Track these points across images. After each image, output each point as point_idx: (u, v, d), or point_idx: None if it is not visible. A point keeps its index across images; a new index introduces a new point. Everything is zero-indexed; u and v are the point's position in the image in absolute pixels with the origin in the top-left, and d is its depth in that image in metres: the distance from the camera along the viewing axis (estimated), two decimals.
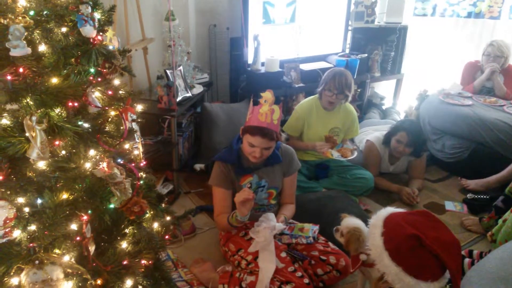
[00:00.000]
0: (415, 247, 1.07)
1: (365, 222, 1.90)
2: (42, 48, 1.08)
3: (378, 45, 3.93)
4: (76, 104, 1.13)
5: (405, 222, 1.13)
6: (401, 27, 3.95)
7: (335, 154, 2.64)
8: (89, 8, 1.11)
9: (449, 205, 2.79)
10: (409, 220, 1.14)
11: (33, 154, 1.06)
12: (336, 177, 2.72)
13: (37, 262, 1.11)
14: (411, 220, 1.14)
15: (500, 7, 3.64)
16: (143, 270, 1.41)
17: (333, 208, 2.35)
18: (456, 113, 3.15)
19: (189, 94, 2.80)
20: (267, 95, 1.89)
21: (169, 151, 2.69)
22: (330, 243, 2.02)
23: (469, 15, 3.78)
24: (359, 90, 3.89)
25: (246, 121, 1.96)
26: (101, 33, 1.23)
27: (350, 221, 1.77)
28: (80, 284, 1.18)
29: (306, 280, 1.79)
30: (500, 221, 2.07)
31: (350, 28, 3.87)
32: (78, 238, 1.20)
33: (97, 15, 1.19)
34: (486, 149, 2.98)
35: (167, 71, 2.68)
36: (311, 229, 2.05)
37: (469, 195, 2.82)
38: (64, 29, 1.10)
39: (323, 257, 1.94)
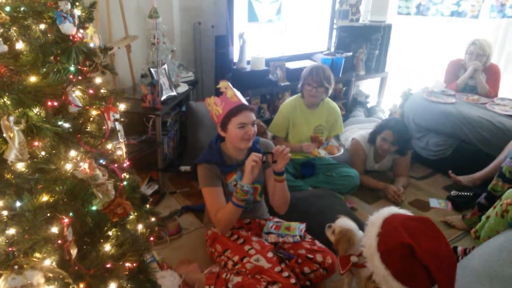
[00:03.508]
0: (407, 256, 1.07)
1: (353, 220, 1.92)
2: (20, 45, 1.04)
3: (363, 44, 3.94)
4: (55, 103, 1.10)
5: (403, 227, 1.12)
6: (385, 26, 3.97)
7: (322, 152, 2.66)
8: (69, 4, 1.07)
9: (434, 202, 2.82)
10: (408, 226, 1.13)
11: (11, 155, 1.02)
12: (322, 175, 2.72)
13: (16, 267, 1.08)
14: (410, 226, 1.13)
15: (480, 6, 3.69)
16: (127, 273, 1.38)
17: (319, 206, 2.36)
18: (439, 111, 3.18)
19: (173, 93, 2.76)
20: (224, 83, 1.96)
21: (154, 150, 2.65)
22: (316, 241, 2.02)
23: (452, 13, 3.82)
24: (344, 88, 3.91)
25: (221, 113, 1.93)
26: (81, 30, 1.19)
27: (344, 222, 1.78)
28: None
29: (292, 280, 1.77)
30: (483, 218, 2.09)
31: (335, 26, 3.88)
32: (59, 242, 1.16)
33: (77, 11, 1.15)
34: (469, 146, 3.02)
35: (151, 70, 2.64)
36: (298, 227, 2.05)
37: (453, 192, 2.86)
38: (42, 26, 1.07)
39: (309, 256, 1.93)
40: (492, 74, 3.45)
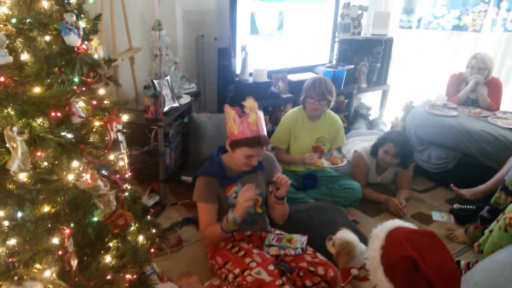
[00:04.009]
0: (410, 270, 1.06)
1: (356, 234, 1.91)
2: (25, 56, 1.05)
3: (365, 57, 3.97)
4: (59, 114, 1.10)
5: (408, 240, 1.11)
6: (387, 39, 4.00)
7: (325, 163, 2.66)
8: (74, 16, 1.08)
9: (436, 216, 2.81)
10: (412, 239, 1.12)
11: (14, 165, 1.02)
12: (324, 187, 2.71)
13: (16, 278, 1.07)
14: (415, 240, 1.12)
15: (482, 20, 3.72)
16: (127, 285, 1.37)
17: (321, 219, 2.35)
18: (441, 124, 3.18)
19: (176, 104, 2.77)
20: (251, 103, 1.87)
21: (156, 162, 2.65)
22: (318, 254, 2.00)
23: (454, 28, 3.85)
24: (346, 100, 3.92)
25: (235, 134, 1.89)
26: (86, 42, 1.20)
27: (345, 234, 1.78)
28: None
29: None
30: (486, 232, 2.07)
31: (337, 39, 3.91)
32: (60, 253, 1.16)
33: (82, 23, 1.16)
34: (471, 159, 3.01)
35: (154, 81, 2.65)
36: (299, 240, 2.03)
37: (455, 205, 2.84)
38: (47, 38, 1.07)
39: (311, 268, 1.91)
40: (494, 88, 3.46)
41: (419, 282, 1.06)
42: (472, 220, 2.60)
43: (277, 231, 2.17)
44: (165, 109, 2.63)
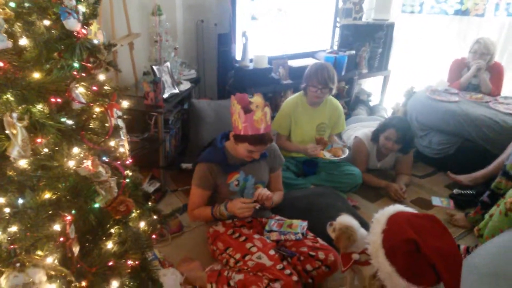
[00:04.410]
0: (412, 252, 1.06)
1: (357, 219, 1.91)
2: (24, 41, 1.03)
3: (366, 42, 3.93)
4: (59, 100, 1.09)
5: (409, 224, 1.12)
6: (389, 24, 3.96)
7: (327, 155, 2.66)
8: (73, 0, 1.06)
9: (436, 201, 2.82)
10: (413, 223, 1.12)
11: (14, 152, 1.02)
12: (324, 173, 2.71)
13: (18, 264, 1.07)
14: (416, 223, 1.12)
15: (485, 4, 3.68)
16: (129, 271, 1.38)
17: (321, 204, 2.35)
18: (443, 110, 3.17)
19: (176, 91, 2.75)
20: (258, 100, 1.86)
21: (156, 148, 2.64)
22: (319, 239, 2.01)
23: (456, 12, 3.81)
24: (347, 86, 3.90)
25: (239, 129, 1.88)
26: (85, 27, 1.18)
27: (345, 219, 1.79)
28: (64, 286, 1.14)
29: (295, 278, 1.77)
30: (486, 216, 2.08)
31: (338, 25, 3.87)
32: (61, 239, 1.16)
33: (82, 8, 1.14)
34: (472, 145, 3.01)
35: (154, 67, 2.63)
36: (300, 225, 2.04)
37: (455, 190, 2.85)
38: (46, 22, 1.06)
39: (312, 253, 1.93)
40: (496, 73, 3.44)
41: (421, 265, 1.06)
42: (472, 205, 2.61)
43: (278, 217, 2.17)
44: (165, 95, 2.62)
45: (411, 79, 4.03)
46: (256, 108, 1.82)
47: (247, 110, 1.83)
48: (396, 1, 4.05)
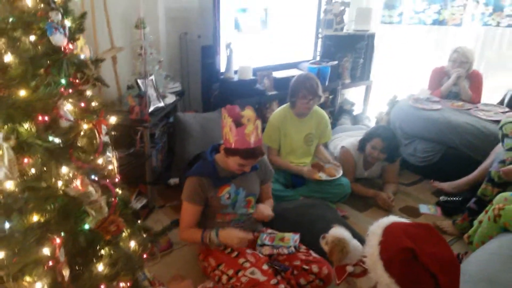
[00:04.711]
0: (410, 261, 1.05)
1: (346, 228, 1.91)
2: (8, 58, 0.99)
3: (348, 53, 3.98)
4: (46, 118, 1.05)
5: (405, 234, 1.11)
6: (369, 35, 4.03)
7: (323, 176, 2.68)
8: (60, 15, 1.03)
9: (424, 208, 2.84)
10: (409, 232, 1.12)
11: (0, 173, 0.97)
12: (313, 184, 2.70)
13: None
14: (411, 232, 1.11)
15: (461, 14, 3.78)
16: None
17: (312, 216, 2.33)
18: (426, 118, 3.22)
19: (161, 104, 2.72)
20: (249, 114, 1.84)
21: (142, 163, 2.59)
22: (311, 252, 1.99)
23: (434, 22, 3.90)
24: (330, 97, 3.92)
25: (230, 142, 1.85)
26: (71, 42, 1.15)
27: (337, 231, 1.78)
28: None
29: None
30: (475, 223, 2.11)
31: (320, 36, 3.91)
32: (50, 263, 1.11)
33: (68, 22, 1.11)
34: (456, 152, 3.06)
35: (138, 81, 2.59)
36: (292, 238, 2.02)
37: (442, 198, 2.88)
38: (32, 38, 1.02)
39: (305, 267, 1.90)
40: (475, 81, 3.52)
41: (420, 273, 1.05)
42: (459, 212, 2.65)
43: (269, 230, 2.15)
44: (150, 109, 2.58)
45: (393, 88, 4.09)
46: (248, 122, 1.80)
47: (238, 123, 1.81)
48: (376, 12, 4.13)
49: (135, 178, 2.63)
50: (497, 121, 2.93)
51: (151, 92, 2.65)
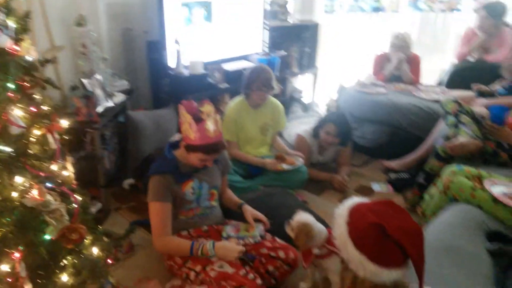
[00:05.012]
0: (378, 236, 1.10)
1: (307, 212, 1.96)
2: None
3: (294, 43, 4.04)
4: None
5: (370, 211, 1.15)
6: (313, 24, 4.11)
7: (285, 166, 2.73)
8: (2, 15, 0.96)
9: (376, 187, 2.98)
10: (373, 209, 1.16)
11: None
12: (272, 173, 2.74)
13: None
14: (376, 209, 1.16)
15: (398, 1, 3.97)
16: None
17: (273, 204, 2.37)
18: (372, 101, 3.37)
19: (110, 104, 2.61)
20: (208, 109, 1.82)
21: (94, 167, 2.48)
22: (277, 239, 2.03)
23: (373, 9, 4.07)
24: (281, 86, 3.97)
25: (190, 138, 1.82)
26: (16, 43, 1.07)
27: (301, 217, 1.81)
28: None
29: (258, 281, 1.77)
30: (426, 196, 2.24)
31: (267, 27, 3.93)
32: (9, 280, 1.04)
33: (11, 23, 1.03)
34: (402, 132, 3.23)
35: (83, 80, 2.47)
36: (257, 227, 2.04)
37: (391, 175, 3.04)
38: None
39: (272, 254, 1.93)
40: (414, 64, 3.72)
41: (389, 246, 1.10)
42: (408, 187, 2.80)
43: (233, 222, 2.15)
44: (99, 109, 2.47)
45: (340, 75, 4.22)
46: (207, 117, 1.79)
47: (197, 119, 1.78)
48: (319, 2, 4.22)
49: (87, 182, 2.52)
50: (437, 101, 3.14)
51: (98, 92, 2.54)
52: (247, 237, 1.99)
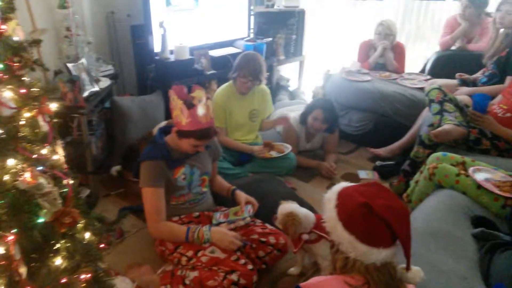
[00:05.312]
0: (366, 215, 1.12)
1: (297, 200, 1.97)
2: None
3: (280, 29, 4.03)
4: None
5: (357, 193, 1.18)
6: (299, 11, 4.10)
7: (274, 153, 2.74)
8: None
9: (362, 174, 3.03)
10: (360, 190, 1.19)
11: None
12: (261, 160, 2.75)
13: None
14: (363, 191, 1.18)
15: None
16: (84, 285, 1.27)
17: (262, 190, 2.38)
18: (358, 89, 3.40)
19: (96, 88, 2.56)
20: (199, 94, 1.80)
21: (81, 153, 2.44)
22: (267, 225, 2.05)
23: None
24: (267, 73, 3.96)
25: (182, 124, 1.81)
26: (3, 22, 1.04)
27: (285, 207, 1.81)
28: None
29: (250, 266, 1.79)
30: (412, 183, 2.29)
31: (252, 12, 3.90)
32: (5, 263, 1.03)
33: None
34: (387, 119, 3.28)
35: (68, 65, 2.41)
36: (246, 209, 2.05)
37: (377, 162, 3.09)
38: None
39: (262, 239, 1.96)
40: (399, 52, 3.76)
41: (377, 225, 1.12)
42: (394, 174, 2.86)
43: (223, 208, 2.16)
44: (85, 94, 2.42)
45: (326, 63, 4.24)
46: (199, 102, 1.78)
47: (189, 104, 1.77)
48: None
49: (75, 168, 2.47)
50: (422, 88, 3.19)
51: (84, 76, 2.49)
52: (237, 220, 2.00)
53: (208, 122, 1.83)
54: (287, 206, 1.83)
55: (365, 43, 3.85)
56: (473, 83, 3.05)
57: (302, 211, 1.83)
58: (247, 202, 2.10)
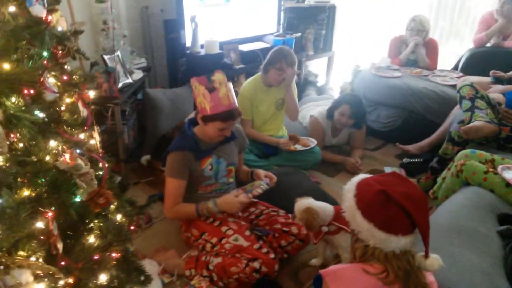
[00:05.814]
0: (384, 202, 1.14)
1: (321, 194, 1.99)
2: None
3: (310, 24, 4.03)
4: (32, 91, 1.03)
5: (375, 181, 1.20)
6: (330, 6, 4.08)
7: (299, 147, 2.76)
8: None
9: (388, 170, 3.00)
10: (379, 180, 1.21)
11: None
12: (286, 153, 2.78)
13: (1, 267, 1.02)
14: (381, 180, 1.20)
15: None
16: (114, 263, 1.35)
17: (287, 183, 2.41)
18: (387, 85, 3.37)
19: (129, 80, 2.66)
20: (220, 77, 1.85)
21: (114, 141, 2.56)
22: (290, 215, 2.08)
23: None
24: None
25: (206, 110, 1.86)
26: (49, 13, 1.12)
27: (300, 205, 1.83)
28: (52, 284, 1.10)
29: (272, 255, 1.83)
30: (439, 180, 2.26)
31: (282, 8, 3.92)
32: (42, 237, 1.11)
33: None
34: (416, 116, 3.23)
35: (105, 57, 2.52)
36: (263, 180, 2.09)
37: (405, 159, 3.05)
38: (12, 9, 0.99)
39: (285, 229, 1.99)
40: (431, 48, 3.69)
41: (395, 211, 1.14)
42: (421, 171, 2.83)
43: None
44: (119, 85, 2.53)
45: (355, 58, 4.20)
46: (220, 85, 1.82)
47: (211, 89, 1.82)
48: None
49: (108, 156, 2.59)
50: (453, 86, 3.12)
51: (119, 68, 2.59)
52: (255, 188, 2.03)
53: (231, 104, 1.88)
54: (303, 203, 1.84)
55: (396, 39, 3.80)
56: (508, 81, 2.96)
57: (318, 204, 1.84)
58: (266, 176, 2.14)
